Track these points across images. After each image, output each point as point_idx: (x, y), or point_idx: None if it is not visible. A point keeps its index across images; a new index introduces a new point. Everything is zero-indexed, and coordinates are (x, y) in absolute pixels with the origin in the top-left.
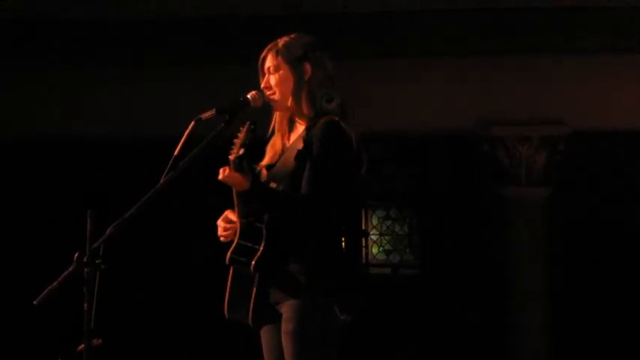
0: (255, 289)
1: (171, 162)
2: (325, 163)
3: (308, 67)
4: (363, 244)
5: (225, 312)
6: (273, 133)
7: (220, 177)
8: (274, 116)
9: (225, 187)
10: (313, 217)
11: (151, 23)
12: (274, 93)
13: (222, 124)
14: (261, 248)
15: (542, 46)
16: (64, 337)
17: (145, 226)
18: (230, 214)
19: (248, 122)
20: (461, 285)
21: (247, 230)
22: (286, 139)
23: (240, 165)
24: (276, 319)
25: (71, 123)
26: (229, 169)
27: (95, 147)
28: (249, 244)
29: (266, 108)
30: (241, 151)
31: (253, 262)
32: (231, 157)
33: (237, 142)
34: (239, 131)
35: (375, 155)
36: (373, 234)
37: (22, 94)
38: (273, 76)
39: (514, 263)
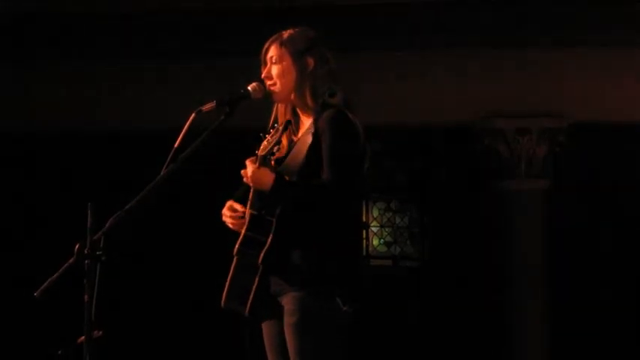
0: (257, 281)
1: (171, 154)
2: (339, 150)
3: (311, 60)
4: (364, 236)
5: (223, 301)
6: (274, 127)
7: (248, 173)
8: (274, 109)
9: (229, 182)
10: (336, 202)
11: (151, 17)
12: (275, 84)
13: (223, 117)
14: (270, 241)
15: (542, 39)
16: (64, 329)
17: (145, 218)
18: (234, 204)
19: (286, 121)
20: (461, 277)
21: (256, 222)
22: (293, 133)
23: (268, 162)
24: (276, 311)
25: (72, 117)
26: (256, 165)
27: (97, 142)
28: (259, 237)
29: (267, 101)
30: (275, 149)
31: (261, 255)
32: (260, 153)
33: (270, 139)
34: (273, 128)
35: (375, 148)
36: (374, 226)
37: (20, 90)
38: (275, 67)
39: (514, 255)
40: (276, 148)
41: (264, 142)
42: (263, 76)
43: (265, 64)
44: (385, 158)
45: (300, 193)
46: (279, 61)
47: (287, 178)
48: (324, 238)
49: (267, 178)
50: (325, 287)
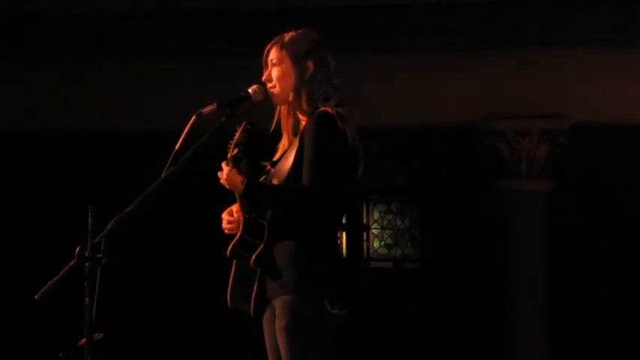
0: (256, 283)
1: (172, 156)
2: (319, 151)
3: (310, 64)
4: (365, 239)
5: (229, 301)
6: (277, 128)
7: (223, 175)
8: (277, 111)
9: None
10: (314, 204)
11: (152, 18)
12: (275, 86)
13: (223, 119)
14: (262, 244)
15: (542, 40)
16: (65, 331)
17: (146, 220)
18: (235, 208)
19: (244, 122)
20: (461, 277)
21: (250, 225)
22: (292, 136)
23: (236, 164)
24: (273, 312)
25: (72, 117)
26: (229, 166)
27: (97, 142)
28: (251, 239)
29: (268, 103)
30: (235, 151)
31: (253, 257)
32: (228, 156)
33: (232, 142)
34: (235, 130)
35: (375, 149)
36: (374, 228)
37: (20, 90)
38: (275, 69)
39: (515, 256)
40: (236, 151)
41: (230, 146)
42: (264, 79)
43: (266, 66)
44: (384, 159)
45: (274, 195)
46: (279, 63)
47: (276, 180)
48: (314, 242)
49: (237, 180)
50: (314, 290)
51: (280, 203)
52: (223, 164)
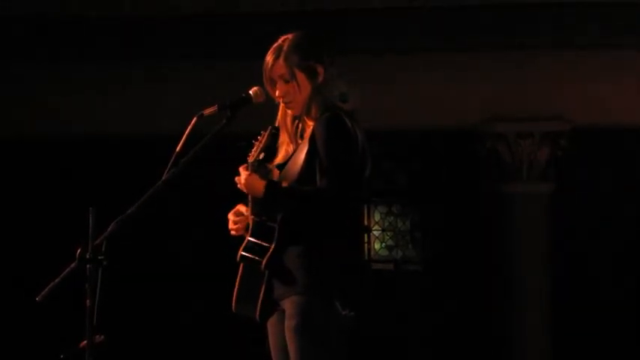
0: (263, 287)
1: (173, 158)
2: (334, 154)
3: (320, 68)
4: (366, 240)
5: (233, 306)
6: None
7: (241, 180)
8: (279, 112)
9: (228, 182)
10: (331, 206)
11: (153, 20)
12: (291, 101)
13: (224, 121)
14: (273, 247)
15: (542, 43)
16: (66, 333)
17: (147, 222)
18: (241, 208)
19: (270, 127)
20: (462, 280)
21: (259, 228)
22: (298, 138)
23: (258, 168)
24: (280, 313)
25: (72, 121)
26: (247, 171)
27: (97, 143)
28: (261, 242)
29: (268, 105)
30: (261, 155)
31: (264, 261)
32: (250, 159)
33: (258, 145)
34: (259, 134)
35: (375, 151)
36: (375, 230)
37: (21, 93)
38: (290, 86)
39: (515, 259)
40: (262, 155)
41: (254, 148)
42: (278, 95)
43: (271, 79)
44: (385, 160)
45: (294, 198)
46: (291, 78)
47: (286, 183)
48: (324, 243)
49: (259, 184)
50: (325, 291)
51: (300, 206)
52: (241, 169)
